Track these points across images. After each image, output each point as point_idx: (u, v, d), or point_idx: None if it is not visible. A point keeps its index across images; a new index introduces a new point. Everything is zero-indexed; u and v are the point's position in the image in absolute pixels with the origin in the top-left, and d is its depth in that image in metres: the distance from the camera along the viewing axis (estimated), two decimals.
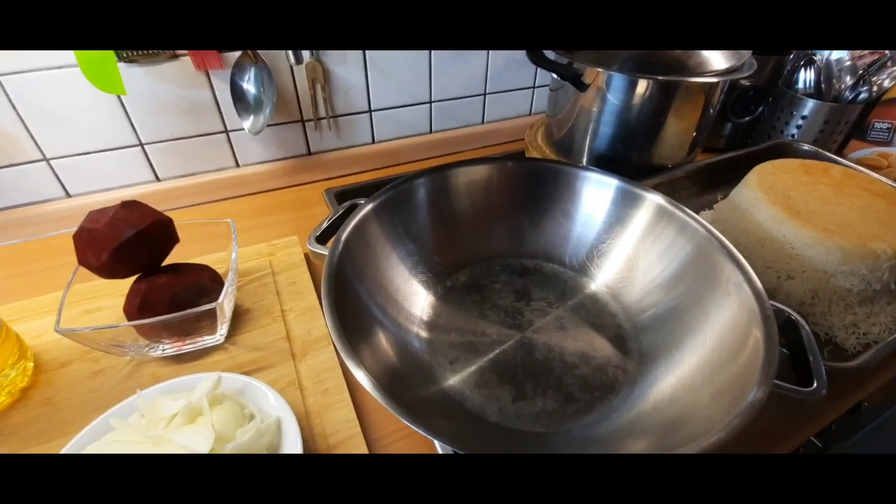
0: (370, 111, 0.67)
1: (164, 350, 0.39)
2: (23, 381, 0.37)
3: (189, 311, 0.35)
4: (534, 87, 0.78)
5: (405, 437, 0.36)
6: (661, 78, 0.53)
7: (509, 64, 0.72)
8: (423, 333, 0.42)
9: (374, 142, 0.70)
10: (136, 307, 0.36)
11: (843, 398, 0.41)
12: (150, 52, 0.50)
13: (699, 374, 0.34)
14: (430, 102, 0.71)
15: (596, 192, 0.48)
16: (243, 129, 0.60)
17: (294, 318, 0.44)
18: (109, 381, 0.38)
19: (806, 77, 0.66)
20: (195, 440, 0.29)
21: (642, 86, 0.55)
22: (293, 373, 0.39)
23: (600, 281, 0.48)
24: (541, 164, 0.49)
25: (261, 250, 0.51)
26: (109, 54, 0.45)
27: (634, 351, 0.42)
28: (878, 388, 0.42)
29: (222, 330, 0.40)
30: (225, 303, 0.37)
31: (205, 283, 0.39)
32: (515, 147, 0.78)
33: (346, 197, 0.65)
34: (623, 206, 0.47)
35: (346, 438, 0.35)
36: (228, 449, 0.29)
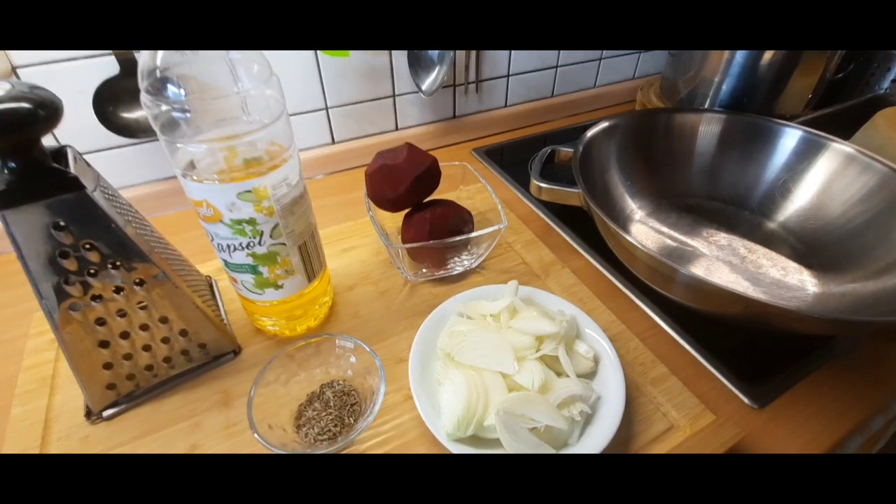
0: (508, 76, 0.73)
1: (421, 275, 0.46)
2: (330, 301, 0.43)
3: (487, 229, 0.41)
4: (639, 53, 0.84)
5: (654, 335, 0.43)
6: None
7: None
8: None
9: (506, 105, 0.76)
10: (427, 232, 0.42)
11: None
12: None
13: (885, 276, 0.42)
14: (557, 67, 0.76)
15: (785, 141, 0.55)
16: (407, 94, 0.66)
17: (520, 248, 0.50)
18: (396, 299, 0.44)
19: None
20: (538, 326, 0.35)
21: None
22: (546, 288, 0.45)
23: (779, 218, 0.55)
24: (739, 117, 0.57)
25: (458, 195, 0.57)
26: None
27: (816, 264, 0.49)
28: None
29: (485, 254, 0.46)
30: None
31: (462, 214, 0.46)
32: (624, 108, 0.84)
33: (492, 155, 0.71)
34: (805, 153, 0.55)
35: (617, 333, 0.41)
36: (563, 332, 0.36)
